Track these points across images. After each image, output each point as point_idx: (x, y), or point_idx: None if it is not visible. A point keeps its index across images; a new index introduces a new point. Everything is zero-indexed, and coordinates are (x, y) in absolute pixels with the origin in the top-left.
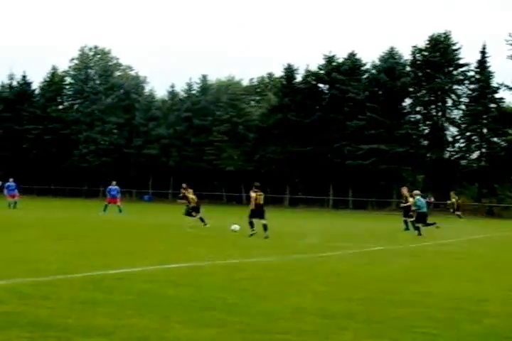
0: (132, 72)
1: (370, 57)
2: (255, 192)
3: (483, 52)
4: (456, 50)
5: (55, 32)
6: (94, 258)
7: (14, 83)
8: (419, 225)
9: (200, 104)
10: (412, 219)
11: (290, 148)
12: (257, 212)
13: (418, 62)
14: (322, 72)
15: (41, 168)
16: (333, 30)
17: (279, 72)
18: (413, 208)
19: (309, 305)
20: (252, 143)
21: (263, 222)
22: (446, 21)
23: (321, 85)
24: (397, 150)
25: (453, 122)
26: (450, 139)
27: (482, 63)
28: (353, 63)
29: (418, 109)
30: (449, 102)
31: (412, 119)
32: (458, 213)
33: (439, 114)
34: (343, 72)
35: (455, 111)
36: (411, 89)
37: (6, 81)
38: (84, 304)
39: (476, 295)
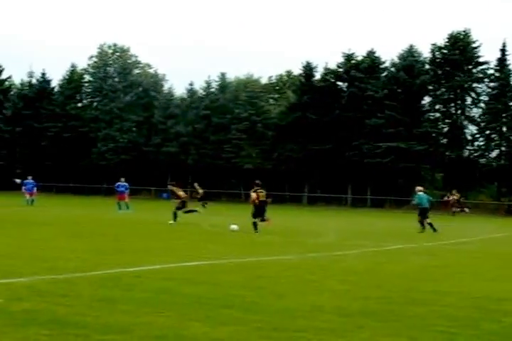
0: (151, 70)
1: (389, 55)
2: (256, 191)
3: (503, 50)
4: (475, 47)
5: (74, 30)
6: (113, 256)
7: (34, 81)
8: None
9: (218, 102)
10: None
11: (309, 146)
12: (260, 211)
13: (437, 60)
14: (341, 70)
15: (60, 165)
16: (353, 28)
17: (297, 70)
18: (413, 203)
19: (327, 304)
20: (271, 141)
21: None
22: (466, 19)
23: (339, 83)
24: (416, 149)
25: (472, 120)
26: (469, 137)
27: (502, 61)
28: (372, 61)
29: (437, 107)
30: (469, 100)
31: (431, 117)
32: (454, 209)
33: (459, 112)
34: (362, 70)
35: (474, 110)
36: (430, 87)
37: (26, 78)
38: (102, 302)
39: (494, 294)
